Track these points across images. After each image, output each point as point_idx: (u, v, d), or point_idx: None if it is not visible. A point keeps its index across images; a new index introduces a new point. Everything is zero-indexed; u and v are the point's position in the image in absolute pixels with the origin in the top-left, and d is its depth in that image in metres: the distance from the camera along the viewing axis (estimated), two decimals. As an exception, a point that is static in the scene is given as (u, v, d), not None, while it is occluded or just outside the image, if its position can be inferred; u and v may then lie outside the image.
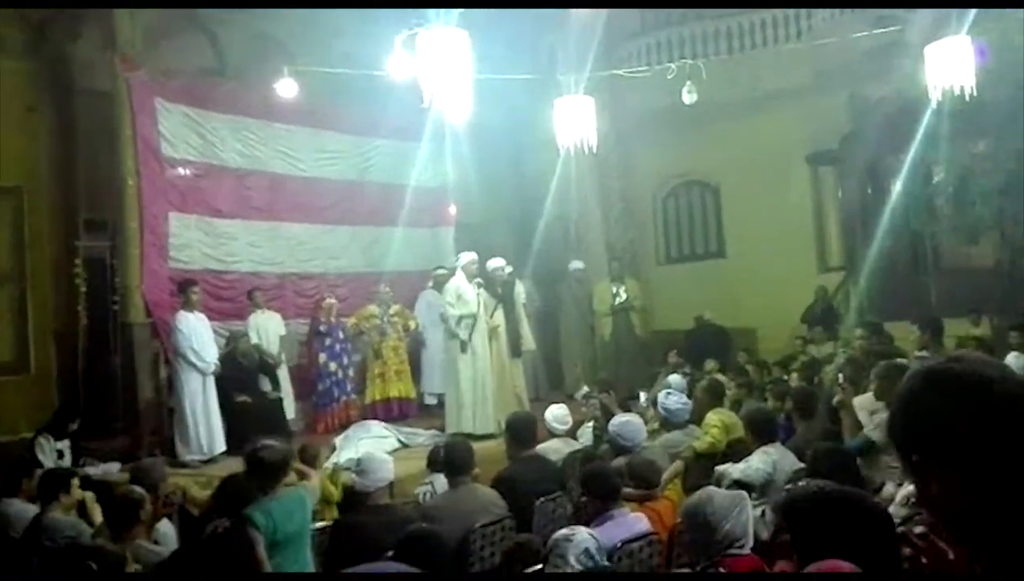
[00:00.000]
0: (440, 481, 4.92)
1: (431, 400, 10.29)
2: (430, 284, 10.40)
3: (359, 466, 4.20)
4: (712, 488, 3.00)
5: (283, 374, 9.15)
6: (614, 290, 11.07)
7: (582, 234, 12.64)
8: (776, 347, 11.56)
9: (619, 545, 3.59)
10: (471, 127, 10.01)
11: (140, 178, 8.35)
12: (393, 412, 9.65)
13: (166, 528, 4.44)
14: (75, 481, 4.88)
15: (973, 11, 6.84)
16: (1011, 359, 5.79)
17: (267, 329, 9.09)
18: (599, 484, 3.77)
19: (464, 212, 11.74)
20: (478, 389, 7.98)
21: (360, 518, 4.07)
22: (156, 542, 4.41)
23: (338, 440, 7.62)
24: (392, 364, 9.86)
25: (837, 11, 11.22)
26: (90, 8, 8.47)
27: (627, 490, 4.36)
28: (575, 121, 7.37)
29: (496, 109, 10.19)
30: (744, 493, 3.04)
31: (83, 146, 8.94)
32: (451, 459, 4.44)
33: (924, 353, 6.09)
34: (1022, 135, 9.01)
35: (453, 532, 4.11)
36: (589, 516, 3.80)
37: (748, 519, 2.93)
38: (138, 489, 4.16)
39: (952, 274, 11.19)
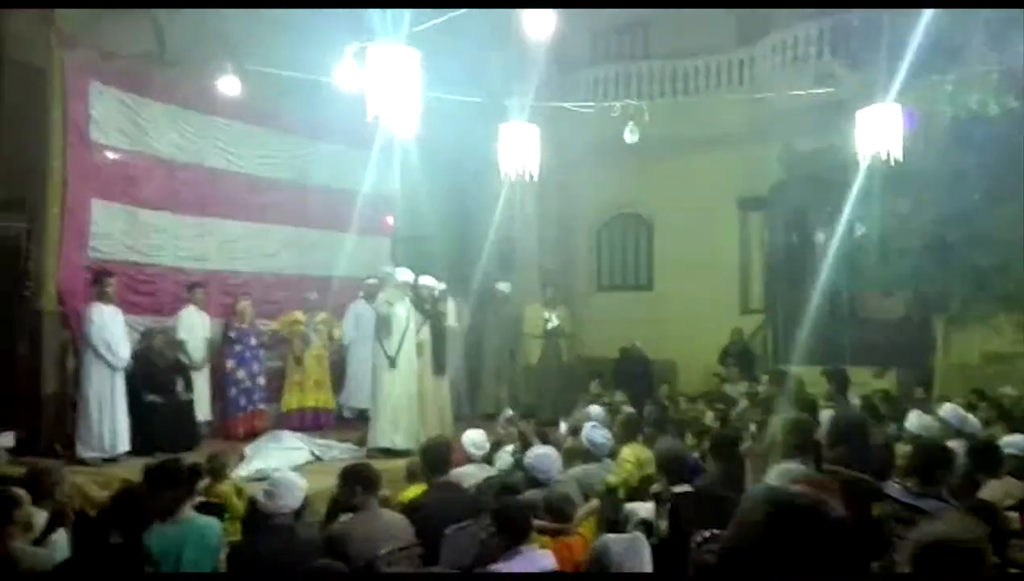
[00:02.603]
0: None
1: (350, 414, 10.14)
2: (360, 295, 10.27)
3: (268, 486, 4.10)
4: (608, 537, 3.04)
5: (203, 376, 8.93)
6: (546, 315, 11.14)
7: (518, 256, 12.70)
8: (694, 381, 11.86)
9: (524, 582, 3.59)
10: (418, 140, 9.96)
11: (65, 161, 8.05)
12: (309, 422, 9.50)
13: (60, 539, 4.23)
14: None
15: (901, 77, 7.17)
16: (913, 417, 6.02)
17: (195, 328, 8.88)
18: (510, 521, 3.76)
19: (405, 224, 11.66)
20: (402, 405, 7.92)
21: (261, 541, 3.98)
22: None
23: (248, 449, 7.43)
24: (313, 373, 9.71)
25: (779, 65, 11.62)
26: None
27: (541, 523, 4.38)
28: (518, 148, 7.40)
29: (444, 126, 10.15)
30: (640, 535, 3.09)
31: (8, 121, 8.54)
32: (356, 482, 4.36)
33: (830, 404, 6.29)
34: (941, 200, 9.48)
35: (358, 558, 4.06)
36: (497, 550, 3.79)
37: (645, 559, 2.98)
38: (15, 490, 3.94)
39: (866, 324, 11.62)
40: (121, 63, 8.75)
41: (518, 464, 5.70)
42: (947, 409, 6.15)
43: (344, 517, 4.46)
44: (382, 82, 5.40)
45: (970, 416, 6.21)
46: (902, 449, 5.37)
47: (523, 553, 3.75)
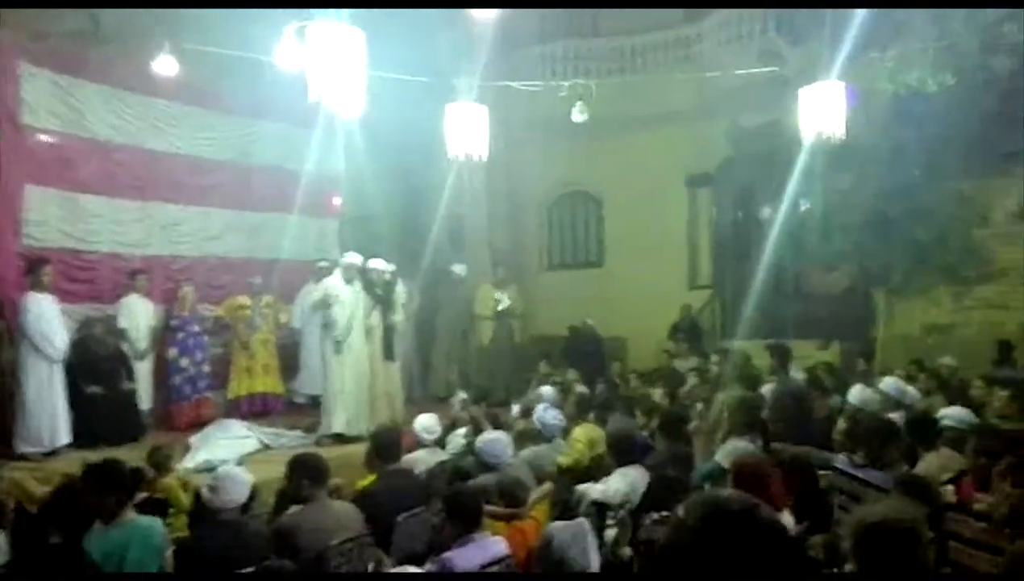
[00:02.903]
0: None
1: (303, 400, 10.01)
2: (312, 280, 10.07)
3: (212, 481, 4.02)
4: (552, 526, 3.06)
5: (146, 365, 8.72)
6: (497, 296, 11.09)
7: (467, 235, 12.63)
8: (645, 357, 11.98)
9: (477, 569, 3.59)
10: (363, 120, 9.78)
11: (-5, 146, 7.75)
12: (258, 407, 9.38)
13: (-1, 540, 4.10)
14: None
15: (843, 54, 7.26)
16: (856, 390, 6.16)
17: (139, 316, 8.66)
18: (461, 507, 3.76)
19: (352, 205, 11.48)
20: (353, 390, 7.83)
21: (207, 537, 3.91)
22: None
23: (194, 439, 7.28)
24: (260, 358, 9.56)
25: (724, 42, 11.68)
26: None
27: (494, 508, 4.39)
28: (466, 128, 7.32)
29: (391, 105, 9.97)
30: (582, 521, 3.12)
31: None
32: (304, 473, 4.31)
33: (772, 378, 6.38)
34: (882, 176, 9.67)
35: (308, 550, 4.02)
36: (449, 538, 3.79)
37: (588, 545, 3.01)
38: None
39: (810, 298, 11.84)
40: (52, 42, 8.39)
41: (470, 448, 5.70)
42: (888, 382, 6.30)
43: (293, 509, 4.41)
44: (323, 63, 5.29)
45: (910, 388, 6.37)
46: (843, 424, 5.47)
47: (475, 540, 3.75)
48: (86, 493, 3.57)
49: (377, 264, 8.74)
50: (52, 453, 7.26)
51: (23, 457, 7.08)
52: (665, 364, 10.60)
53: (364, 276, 8.47)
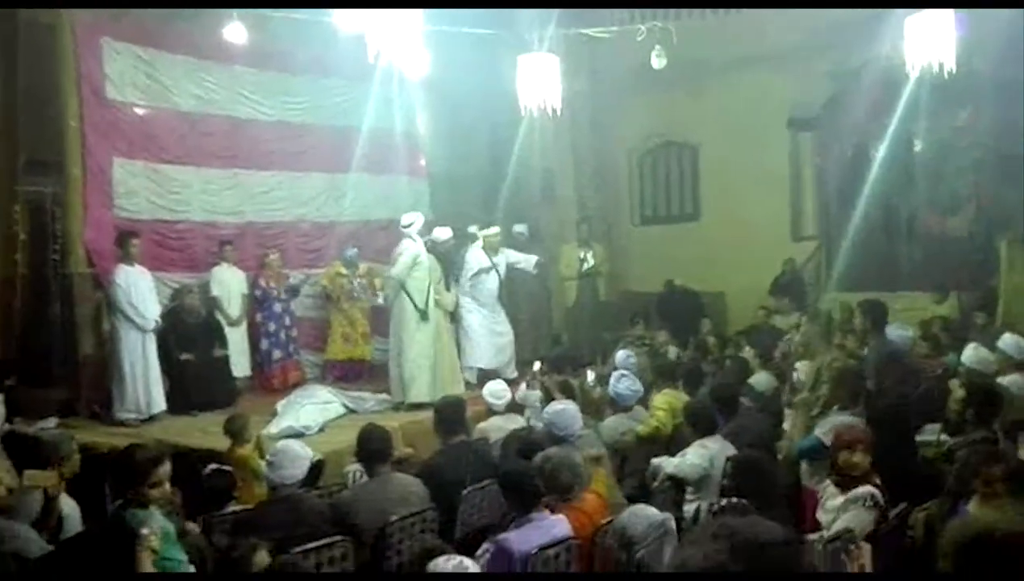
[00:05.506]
0: None
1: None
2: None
3: (270, 457, 3.96)
4: (627, 516, 2.80)
5: (240, 332, 8.89)
6: (581, 254, 10.74)
7: (553, 193, 12.28)
8: (744, 313, 11.43)
9: (535, 551, 3.40)
10: (440, 77, 9.58)
11: (83, 121, 7.93)
12: (354, 373, 9.45)
13: (70, 509, 4.16)
14: None
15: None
16: (970, 351, 5.60)
17: (230, 285, 8.83)
18: (517, 488, 3.56)
19: (441, 164, 11.30)
20: (426, 361, 7.66)
21: (262, 512, 3.86)
22: (60, 519, 4.18)
23: (280, 405, 7.34)
24: (359, 326, 9.63)
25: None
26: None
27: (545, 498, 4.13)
28: (538, 80, 7.04)
29: (467, 61, 9.74)
30: (669, 521, 2.84)
31: (26, 83, 8.40)
32: (366, 448, 4.20)
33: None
34: (1001, 109, 8.80)
35: (369, 525, 3.93)
36: (507, 519, 3.61)
37: (663, 545, 2.74)
38: None
39: (926, 245, 10.98)
40: (133, 16, 8.50)
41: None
42: (1007, 340, 5.71)
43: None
44: (380, 18, 5.20)
45: (1032, 346, 5.74)
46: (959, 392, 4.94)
47: (533, 520, 3.56)
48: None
49: (440, 233, 8.41)
50: (149, 419, 7.50)
51: (122, 423, 7.34)
52: (761, 321, 10.05)
53: (435, 248, 8.17)
